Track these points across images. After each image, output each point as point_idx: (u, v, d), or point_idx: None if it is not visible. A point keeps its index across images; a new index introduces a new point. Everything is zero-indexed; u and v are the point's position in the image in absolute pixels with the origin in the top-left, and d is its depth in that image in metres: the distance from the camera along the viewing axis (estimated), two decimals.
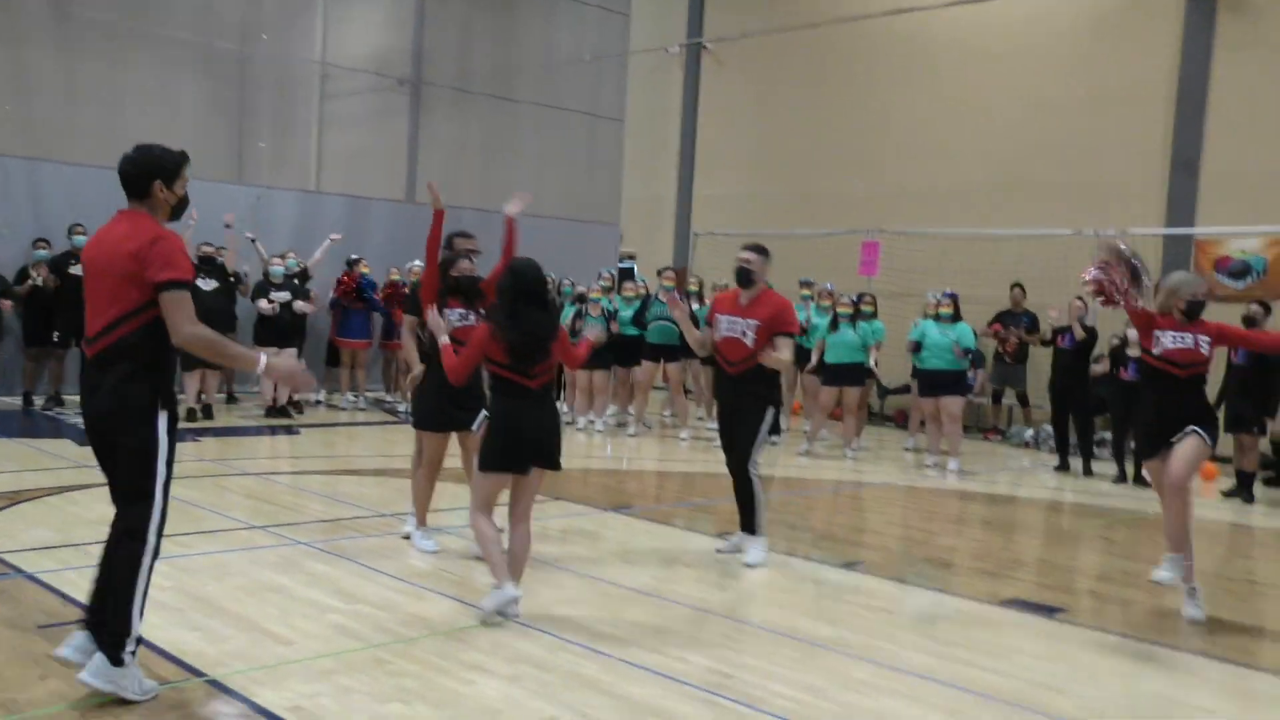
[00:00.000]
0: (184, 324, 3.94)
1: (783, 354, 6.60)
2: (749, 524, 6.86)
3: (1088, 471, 11.72)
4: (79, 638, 4.13)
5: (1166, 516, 6.12)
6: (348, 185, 19.90)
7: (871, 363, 12.00)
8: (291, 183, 20.03)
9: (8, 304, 11.98)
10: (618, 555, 6.91)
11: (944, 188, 16.11)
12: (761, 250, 6.77)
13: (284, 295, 12.60)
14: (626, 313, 13.04)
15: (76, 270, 12.01)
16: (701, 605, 5.85)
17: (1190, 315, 6.19)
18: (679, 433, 12.72)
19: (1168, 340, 6.16)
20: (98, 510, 7.16)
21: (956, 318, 11.45)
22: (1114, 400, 11.33)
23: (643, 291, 13.49)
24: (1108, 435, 12.30)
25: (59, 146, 13.36)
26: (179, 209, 4.18)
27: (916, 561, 7.24)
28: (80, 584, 5.40)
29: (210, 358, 4.26)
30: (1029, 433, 13.99)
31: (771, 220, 17.70)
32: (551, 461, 5.53)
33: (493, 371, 5.42)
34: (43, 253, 12.24)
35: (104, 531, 4.23)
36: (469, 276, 6.31)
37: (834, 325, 11.81)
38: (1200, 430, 6.08)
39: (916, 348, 11.47)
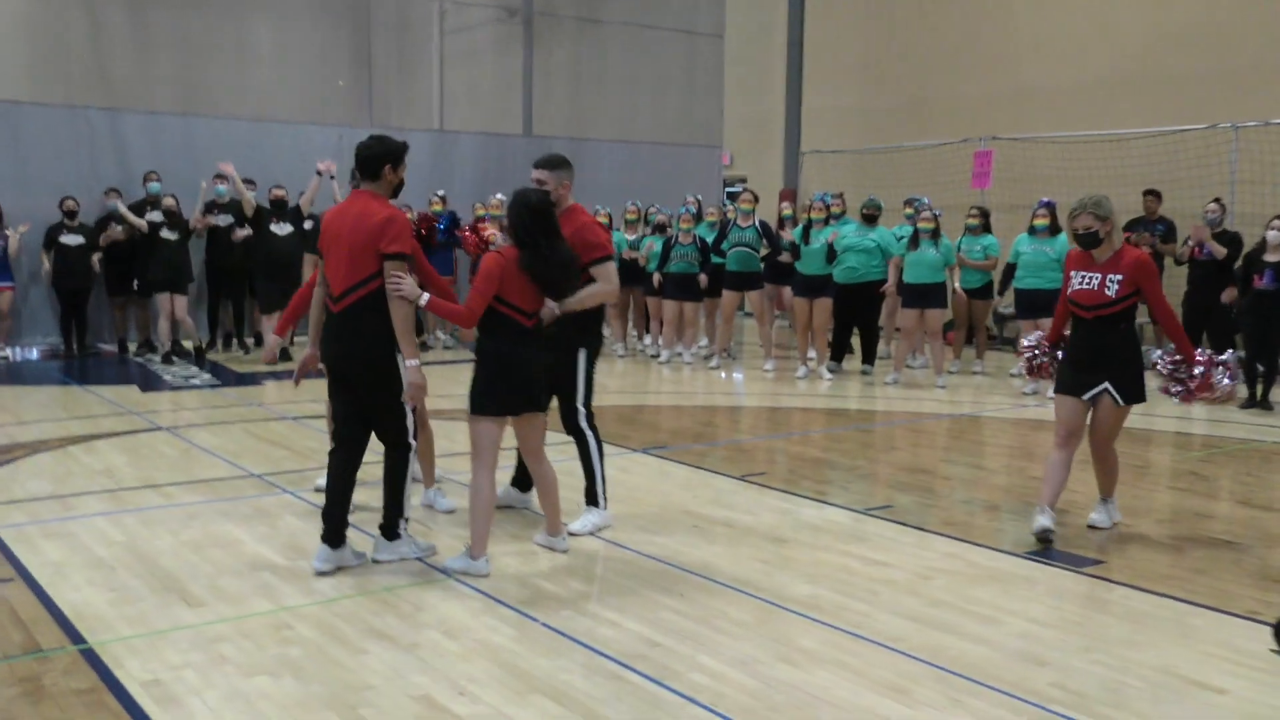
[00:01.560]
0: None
1: (587, 290, 5.28)
2: (589, 490, 5.77)
3: None
4: (322, 550, 5.03)
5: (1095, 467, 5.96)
6: (470, 122, 19.79)
7: (955, 283, 11.00)
8: (417, 123, 20.06)
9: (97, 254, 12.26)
10: (617, 501, 6.41)
11: (1065, 86, 14.65)
12: (555, 164, 5.44)
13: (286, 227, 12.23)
14: (708, 238, 12.36)
15: (154, 217, 12.22)
16: (675, 559, 5.32)
17: (1083, 246, 5.66)
18: (763, 364, 12.04)
19: (1076, 280, 5.71)
20: (108, 460, 7.20)
21: (1055, 230, 10.34)
22: (1248, 313, 10.04)
23: (722, 216, 12.77)
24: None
25: (139, 97, 13.55)
26: (399, 189, 5.01)
27: (954, 505, 6.47)
28: (26, 543, 5.32)
29: (402, 326, 4.82)
30: (1157, 354, 12.65)
31: (881, 134, 16.60)
32: (543, 403, 5.23)
33: (492, 307, 4.96)
34: (113, 203, 12.39)
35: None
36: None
37: (914, 243, 10.83)
38: (1112, 388, 5.61)
39: (1009, 269, 10.44)
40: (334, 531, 5.03)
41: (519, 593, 4.81)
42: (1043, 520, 5.63)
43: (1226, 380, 5.73)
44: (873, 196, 11.75)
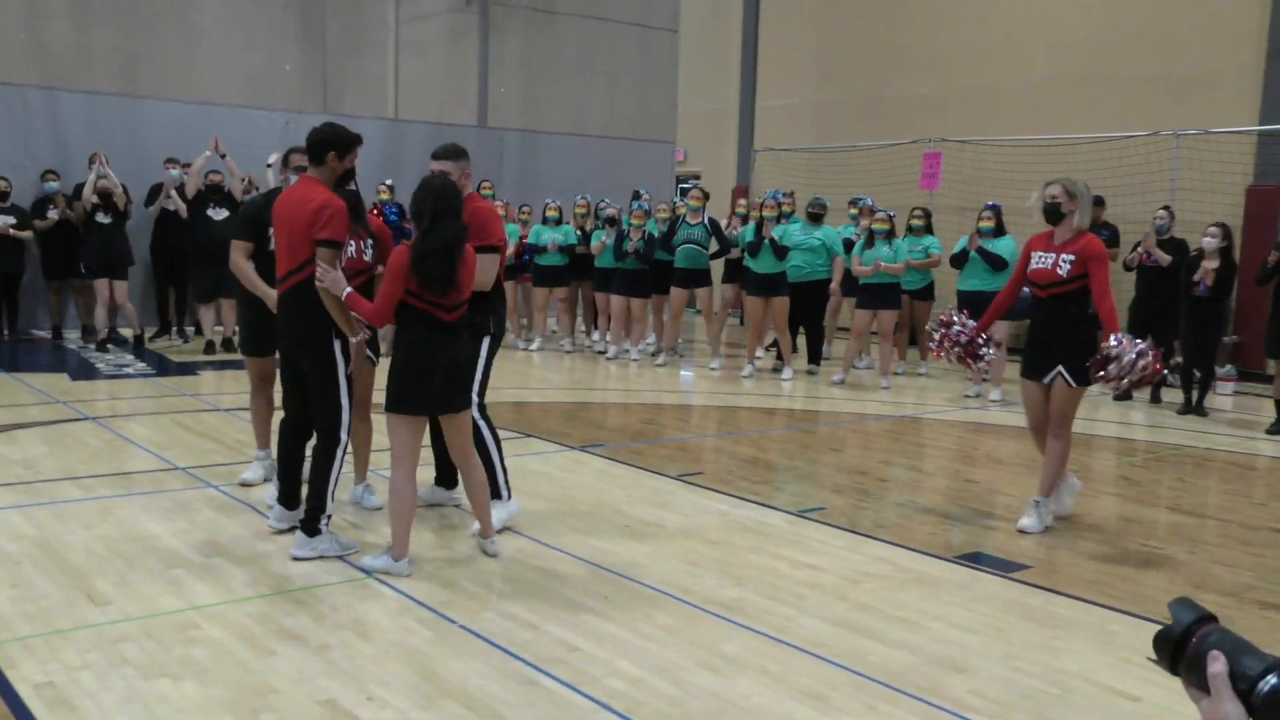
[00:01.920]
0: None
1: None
2: (492, 485, 5.56)
3: (1155, 399, 10.64)
4: (276, 509, 5.44)
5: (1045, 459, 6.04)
6: (424, 112, 19.54)
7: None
8: (369, 110, 19.78)
9: (26, 233, 11.94)
10: (548, 500, 6.33)
11: (1014, 89, 14.75)
12: (455, 153, 5.38)
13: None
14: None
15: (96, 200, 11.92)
16: (604, 560, 5.24)
17: (1047, 216, 5.87)
18: (710, 362, 12.00)
19: (1034, 260, 5.93)
20: (28, 451, 6.99)
21: (1000, 232, 10.38)
22: (1185, 318, 10.16)
23: (672, 213, 12.69)
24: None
25: (76, 76, 13.21)
26: (345, 178, 5.10)
27: (888, 508, 6.45)
28: None
29: (331, 310, 4.94)
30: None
31: (835, 133, 16.63)
32: (458, 404, 4.99)
33: (406, 302, 4.81)
34: (53, 184, 12.13)
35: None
36: (353, 192, 5.60)
37: (869, 243, 10.83)
38: (1064, 370, 5.82)
39: (958, 261, 10.46)
40: (286, 495, 5.41)
41: (439, 594, 4.70)
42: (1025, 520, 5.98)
43: (1135, 357, 5.52)
44: (818, 195, 11.76)
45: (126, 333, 12.19)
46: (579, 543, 5.52)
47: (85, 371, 10.43)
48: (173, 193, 12.03)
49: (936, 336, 6.32)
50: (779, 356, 11.61)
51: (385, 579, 4.85)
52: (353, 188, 5.52)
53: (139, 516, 5.65)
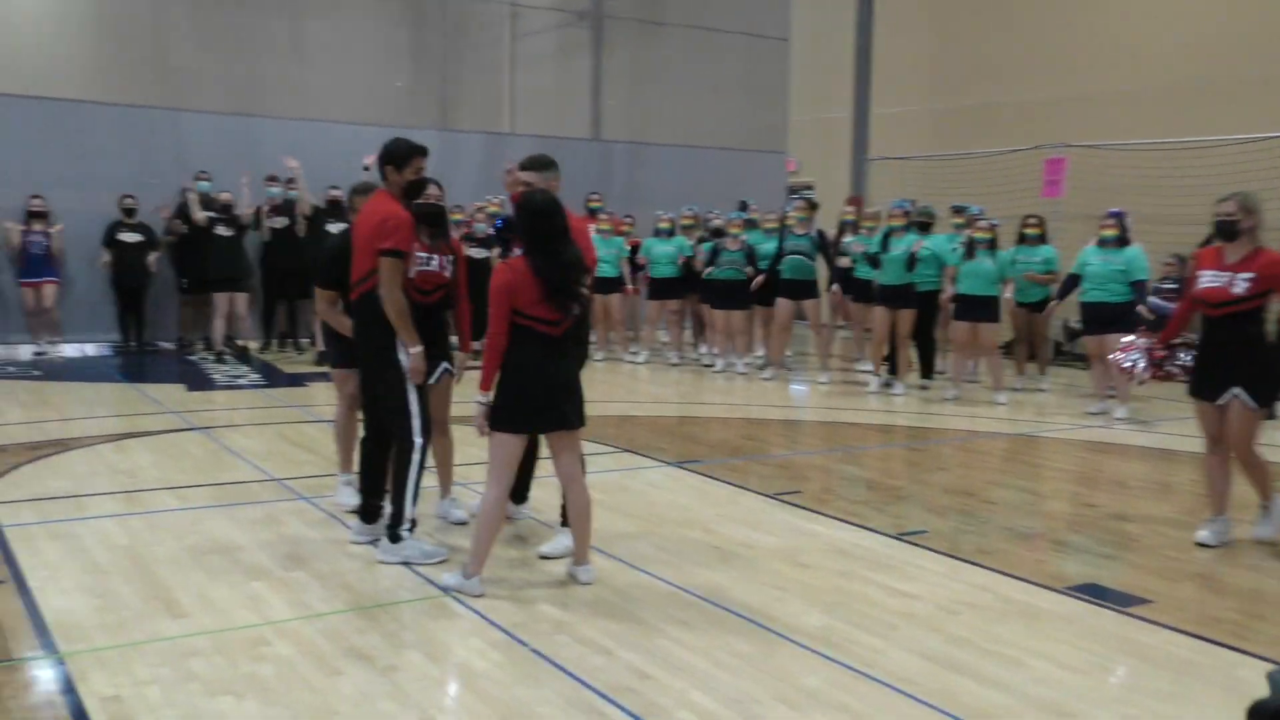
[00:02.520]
0: (388, 287, 4.96)
1: None
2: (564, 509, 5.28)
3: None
4: (355, 523, 5.55)
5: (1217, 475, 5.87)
6: (538, 125, 19.73)
7: (1006, 294, 10.53)
8: (481, 125, 20.08)
9: (156, 252, 12.37)
10: (637, 518, 6.16)
11: (1140, 91, 14.02)
12: (542, 164, 5.15)
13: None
14: (767, 246, 12.04)
15: (202, 216, 12.32)
16: (687, 582, 5.04)
17: (1220, 234, 5.61)
18: (819, 376, 11.68)
19: (1204, 278, 5.65)
20: (134, 460, 7.15)
21: (1124, 241, 9.82)
22: None
23: (782, 224, 12.42)
24: None
25: (199, 97, 13.66)
26: (411, 190, 5.16)
27: (994, 532, 6.08)
28: (28, 542, 5.25)
29: (394, 320, 5.00)
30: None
31: (950, 140, 16.12)
32: (572, 420, 4.87)
33: (514, 321, 4.70)
34: (204, 183, 12.51)
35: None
36: (437, 205, 5.54)
37: (970, 252, 10.40)
38: (1243, 393, 5.51)
39: (1072, 280, 9.97)
40: (366, 510, 5.47)
41: (514, 614, 4.57)
42: (1200, 533, 5.82)
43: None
44: (925, 204, 11.35)
45: (246, 344, 12.51)
46: (664, 563, 5.33)
47: (202, 382, 10.70)
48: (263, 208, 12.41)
49: (1135, 359, 6.12)
50: (892, 370, 11.22)
51: (460, 597, 4.74)
52: (434, 201, 5.45)
53: (228, 528, 5.68)
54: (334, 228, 12.05)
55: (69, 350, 12.32)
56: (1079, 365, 13.42)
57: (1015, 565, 5.44)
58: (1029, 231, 11.03)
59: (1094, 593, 5.07)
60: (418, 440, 5.09)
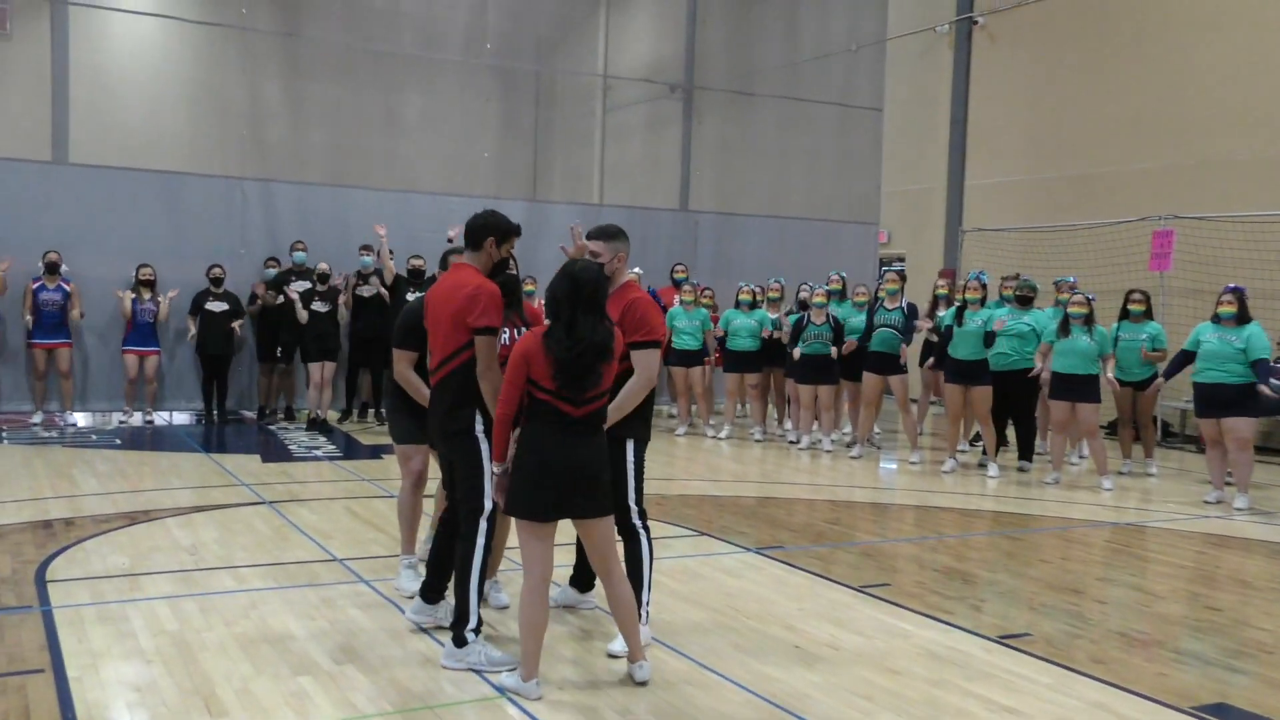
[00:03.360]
0: (485, 367, 4.65)
1: (622, 394, 4.71)
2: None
3: None
4: (415, 602, 5.31)
5: None
6: (626, 196, 19.73)
7: (1108, 374, 9.92)
8: (570, 196, 20.15)
9: (240, 321, 12.45)
10: (712, 610, 5.74)
11: (1256, 160, 13.35)
12: (610, 234, 4.97)
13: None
14: (857, 320, 11.63)
15: (299, 286, 12.41)
16: (764, 688, 4.61)
17: None
18: (910, 456, 11.15)
19: None
20: (198, 536, 6.99)
21: (1243, 319, 9.18)
22: None
23: (872, 297, 12.01)
24: None
25: (291, 168, 13.85)
26: (501, 266, 4.95)
27: (1107, 637, 5.52)
28: (76, 626, 5.06)
29: (491, 398, 4.63)
30: None
31: (1049, 211, 15.56)
32: (588, 509, 4.46)
33: (531, 394, 4.43)
34: (272, 271, 12.68)
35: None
36: (512, 276, 5.30)
37: (1064, 329, 9.85)
38: None
39: (1184, 357, 9.36)
40: (428, 587, 5.23)
41: (572, 719, 4.20)
42: None
43: None
44: (1026, 277, 10.86)
45: (320, 414, 12.47)
46: (739, 665, 4.91)
47: (277, 453, 10.62)
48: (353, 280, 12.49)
49: None
50: (985, 451, 10.66)
51: (516, 699, 4.39)
52: (511, 272, 5.25)
53: (282, 613, 5.43)
54: (414, 298, 12.01)
55: (155, 419, 12.39)
56: (1188, 448, 12.68)
57: (1133, 678, 4.88)
58: (1134, 308, 10.48)
59: (1224, 715, 4.50)
60: (480, 541, 4.71)
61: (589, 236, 5.04)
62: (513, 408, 4.39)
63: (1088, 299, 9.88)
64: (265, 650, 4.88)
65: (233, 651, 4.86)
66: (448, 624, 4.92)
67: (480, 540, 4.73)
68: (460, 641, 4.72)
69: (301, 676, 4.59)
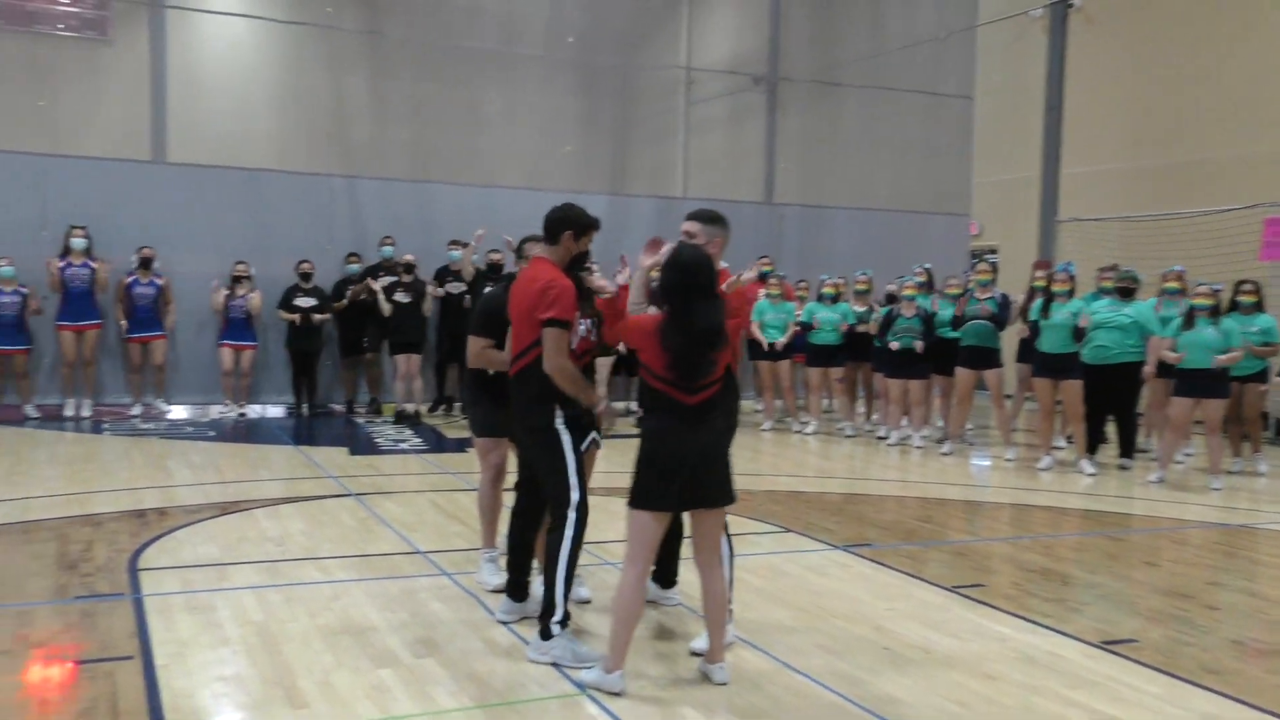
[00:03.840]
0: (554, 356, 4.60)
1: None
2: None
3: None
4: (503, 601, 5.25)
5: None
6: (709, 189, 19.58)
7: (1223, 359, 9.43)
8: (653, 189, 20.07)
9: (325, 315, 12.60)
10: (798, 610, 5.58)
11: None
12: (709, 218, 4.85)
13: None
14: (945, 313, 11.32)
15: (386, 280, 12.54)
16: (853, 691, 4.44)
17: None
18: (1005, 452, 10.81)
19: None
20: (285, 527, 7.06)
21: None
22: None
23: (964, 289, 11.68)
24: None
25: (375, 164, 13.98)
26: (579, 260, 4.90)
27: (1220, 646, 5.23)
28: (165, 614, 5.11)
29: (567, 389, 4.67)
30: None
31: (1150, 200, 14.97)
32: (715, 498, 4.44)
33: (647, 383, 4.40)
34: (354, 267, 12.80)
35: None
36: (584, 269, 5.23)
37: (1189, 322, 9.40)
38: None
39: None
40: (514, 586, 5.19)
41: (652, 717, 4.08)
42: None
43: None
44: (1128, 268, 10.43)
45: (409, 408, 12.57)
46: (826, 667, 4.75)
47: (365, 446, 10.71)
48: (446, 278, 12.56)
49: None
50: (1089, 449, 10.28)
51: (597, 695, 4.29)
52: (589, 267, 5.18)
53: (364, 605, 5.42)
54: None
55: (248, 412, 12.61)
56: None
57: (1251, 690, 4.60)
58: (1245, 299, 10.01)
59: None
60: (569, 532, 4.62)
61: (688, 218, 4.91)
62: (615, 335, 4.71)
63: (1214, 290, 9.43)
64: (346, 642, 4.87)
65: (315, 643, 4.85)
66: (534, 614, 4.90)
67: (569, 531, 4.65)
68: (546, 634, 4.64)
69: (382, 669, 4.55)
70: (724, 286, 4.62)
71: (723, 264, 4.95)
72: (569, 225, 4.83)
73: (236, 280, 12.30)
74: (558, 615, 4.63)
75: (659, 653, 4.85)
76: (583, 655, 4.61)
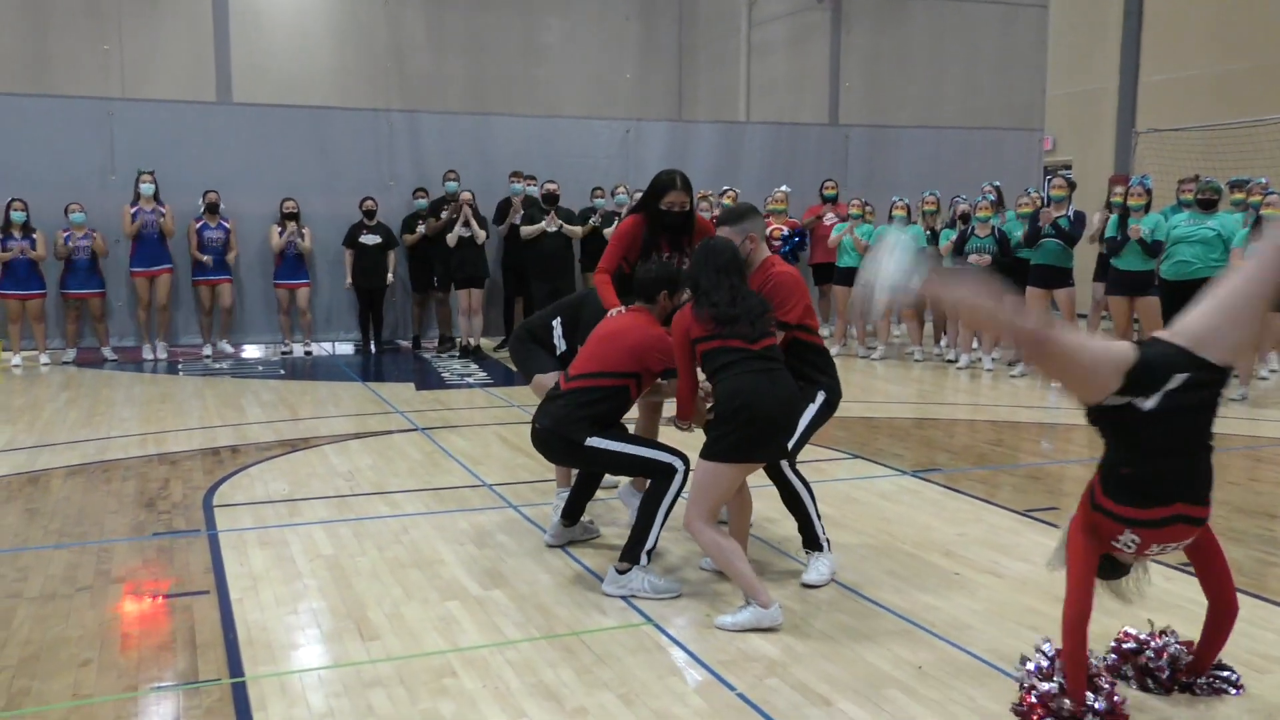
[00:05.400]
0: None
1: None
2: (810, 537, 4.90)
3: None
4: (555, 524, 5.34)
5: None
6: (773, 112, 19.25)
7: None
8: (716, 114, 19.77)
9: (391, 253, 12.64)
10: (867, 536, 5.52)
11: None
12: (736, 217, 4.87)
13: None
14: (1016, 231, 11.02)
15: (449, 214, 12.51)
16: (923, 616, 4.38)
17: None
18: None
19: None
20: (354, 462, 7.15)
21: None
22: None
23: (1038, 207, 11.33)
24: None
25: (434, 98, 13.90)
26: (672, 314, 4.81)
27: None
28: (239, 549, 5.20)
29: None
30: None
31: (1235, 107, 14.35)
32: (784, 449, 4.65)
33: (707, 353, 4.41)
34: (421, 202, 12.77)
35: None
36: (682, 211, 5.25)
37: (1258, 231, 9.01)
38: None
39: None
40: (569, 509, 5.28)
41: (722, 650, 4.07)
42: None
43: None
44: (1209, 179, 10.01)
45: (481, 341, 12.63)
46: (896, 593, 4.69)
47: (432, 381, 10.79)
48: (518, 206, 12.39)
49: None
50: None
51: (664, 624, 4.28)
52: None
53: (433, 539, 5.47)
54: (550, 226, 11.99)
55: (315, 349, 12.78)
56: None
57: None
58: None
59: None
60: (675, 483, 4.65)
61: (718, 223, 4.95)
62: (689, 399, 4.66)
63: None
64: (415, 576, 4.92)
65: (384, 576, 4.91)
66: (583, 539, 5.21)
67: (675, 486, 4.67)
68: (634, 559, 4.60)
69: (450, 601, 4.60)
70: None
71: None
72: (665, 284, 4.91)
73: (287, 218, 12.33)
74: (649, 545, 4.62)
75: (734, 589, 4.83)
76: (662, 587, 4.61)
